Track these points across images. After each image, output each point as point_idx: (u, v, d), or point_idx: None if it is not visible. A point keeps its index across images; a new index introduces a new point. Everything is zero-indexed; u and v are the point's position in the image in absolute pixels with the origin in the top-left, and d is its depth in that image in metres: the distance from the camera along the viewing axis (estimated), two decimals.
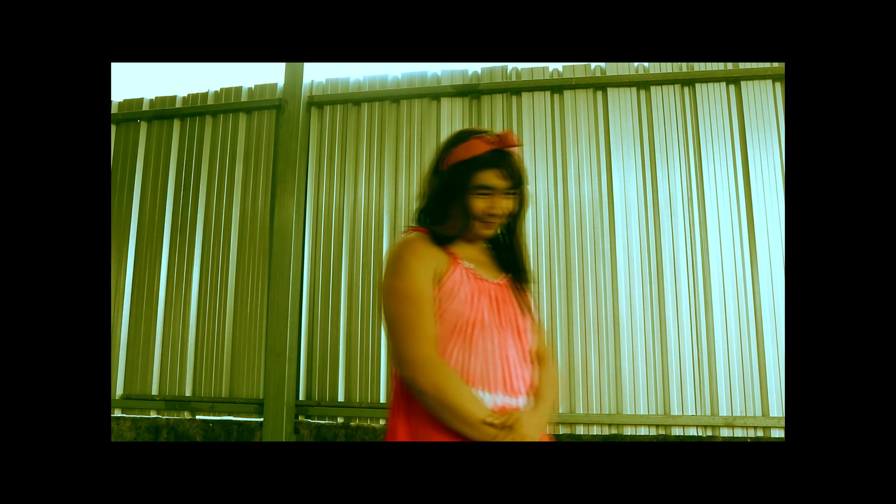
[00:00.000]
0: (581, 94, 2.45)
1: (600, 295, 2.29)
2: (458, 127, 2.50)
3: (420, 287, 0.98)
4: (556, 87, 2.46)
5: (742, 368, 2.17)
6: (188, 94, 2.78)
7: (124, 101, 2.84)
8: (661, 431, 2.20)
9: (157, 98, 2.81)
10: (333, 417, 2.41)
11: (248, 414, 2.44)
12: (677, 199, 2.31)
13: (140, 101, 2.82)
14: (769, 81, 2.33)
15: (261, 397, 2.42)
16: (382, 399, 2.36)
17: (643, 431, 2.21)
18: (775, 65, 2.31)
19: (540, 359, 1.12)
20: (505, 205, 1.04)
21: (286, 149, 2.52)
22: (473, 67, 2.56)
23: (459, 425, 0.93)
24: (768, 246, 2.23)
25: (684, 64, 2.38)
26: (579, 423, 2.23)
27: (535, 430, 0.96)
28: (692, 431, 2.18)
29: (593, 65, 2.48)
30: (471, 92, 2.52)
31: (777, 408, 2.13)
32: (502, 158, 1.02)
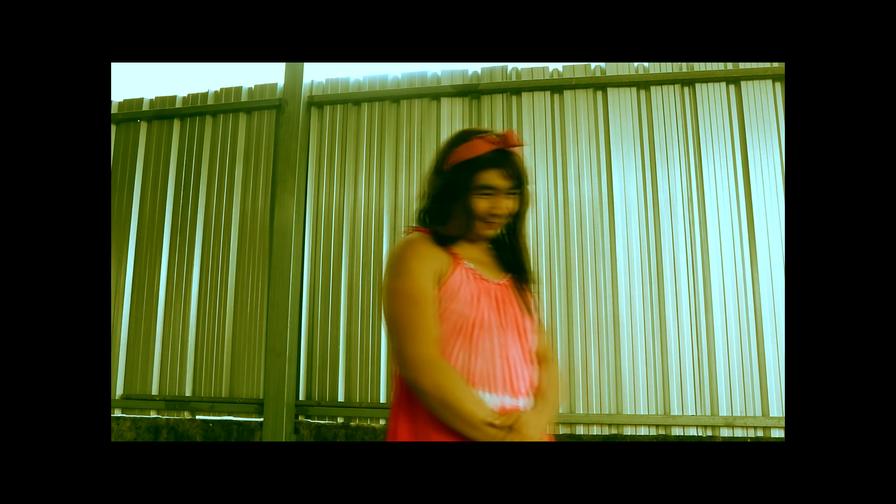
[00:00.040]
0: (581, 94, 2.45)
1: (600, 295, 2.29)
2: (458, 127, 2.50)
3: (422, 287, 0.97)
4: (556, 87, 2.46)
5: (742, 368, 2.17)
6: (188, 94, 2.78)
7: (124, 101, 2.84)
8: (661, 431, 2.20)
9: (157, 98, 2.81)
10: (333, 417, 2.41)
11: (248, 414, 2.44)
12: (677, 199, 2.31)
13: (140, 101, 2.82)
14: (769, 81, 2.33)
15: (261, 397, 2.42)
16: (382, 399, 2.36)
17: (643, 431, 2.21)
18: (775, 65, 2.31)
19: (542, 359, 1.11)
20: (507, 205, 1.04)
21: (286, 149, 2.52)
22: (473, 67, 2.56)
23: (462, 426, 0.92)
24: (768, 246, 2.23)
25: (684, 64, 2.38)
26: (579, 423, 2.23)
27: (537, 431, 0.95)
28: (692, 431, 2.18)
29: (593, 65, 2.48)
30: (471, 92, 2.52)
31: (777, 408, 2.13)
32: (505, 158, 1.02)
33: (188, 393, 2.52)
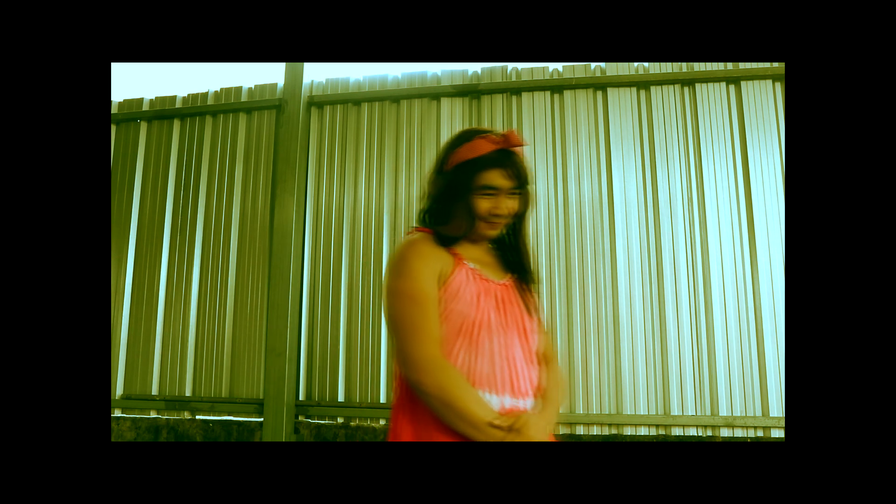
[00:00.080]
0: (581, 94, 2.45)
1: (600, 295, 2.29)
2: (458, 127, 2.50)
3: (424, 288, 0.97)
4: (556, 87, 2.46)
5: (742, 368, 2.17)
6: (188, 94, 2.78)
7: (124, 101, 2.84)
8: (661, 431, 2.20)
9: (157, 98, 2.81)
10: (333, 417, 2.41)
11: (248, 414, 2.44)
12: (677, 199, 2.31)
13: (140, 101, 2.82)
14: (769, 81, 2.33)
15: (261, 397, 2.42)
16: (382, 399, 2.36)
17: (643, 431, 2.21)
18: (775, 65, 2.31)
19: (545, 360, 1.11)
20: (509, 205, 1.04)
21: (286, 149, 2.52)
22: (473, 67, 2.56)
23: (465, 428, 0.92)
24: (768, 246, 2.23)
25: (684, 64, 2.38)
26: (579, 423, 2.23)
27: (541, 433, 0.95)
28: (692, 431, 2.18)
29: (593, 65, 2.48)
30: (471, 92, 2.52)
31: (777, 408, 2.13)
32: (507, 158, 1.01)
33: (188, 393, 2.52)
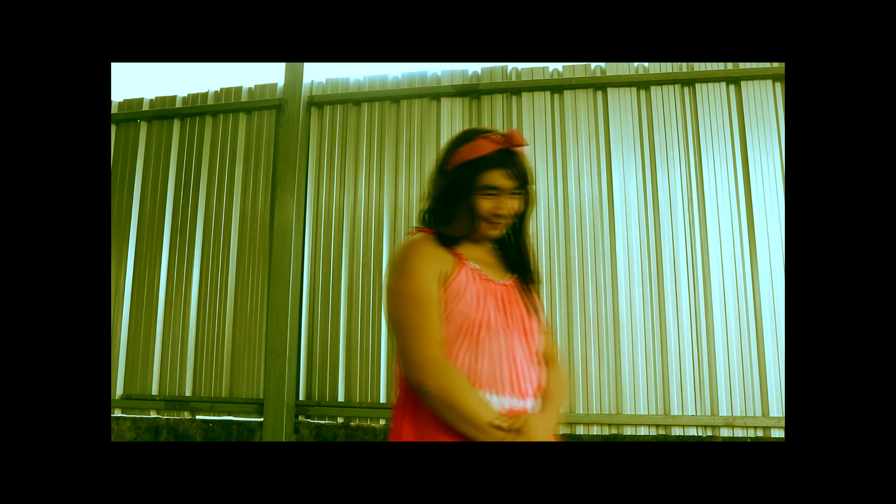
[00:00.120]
0: (581, 94, 2.45)
1: (600, 295, 2.29)
2: (458, 127, 2.50)
3: (426, 288, 0.96)
4: (556, 87, 2.46)
5: (742, 368, 2.17)
6: (188, 94, 2.78)
7: (124, 101, 2.84)
8: (661, 431, 2.20)
9: (157, 98, 2.81)
10: (333, 417, 2.41)
11: (248, 414, 2.44)
12: (677, 199, 2.31)
13: (140, 101, 2.82)
14: (769, 81, 2.33)
15: (261, 397, 2.42)
16: (382, 399, 2.36)
17: (643, 431, 2.21)
18: (775, 65, 2.31)
19: (548, 360, 1.11)
20: (511, 205, 1.03)
21: (286, 149, 2.52)
22: (473, 67, 2.56)
23: (467, 428, 0.91)
24: (768, 246, 2.23)
25: (684, 64, 2.38)
26: (579, 423, 2.23)
27: (543, 434, 0.95)
28: (692, 431, 2.18)
29: (593, 65, 2.48)
30: (471, 92, 2.52)
31: (777, 408, 2.13)
32: (509, 158, 1.01)
33: (188, 393, 2.52)
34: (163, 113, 2.75)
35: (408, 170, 2.51)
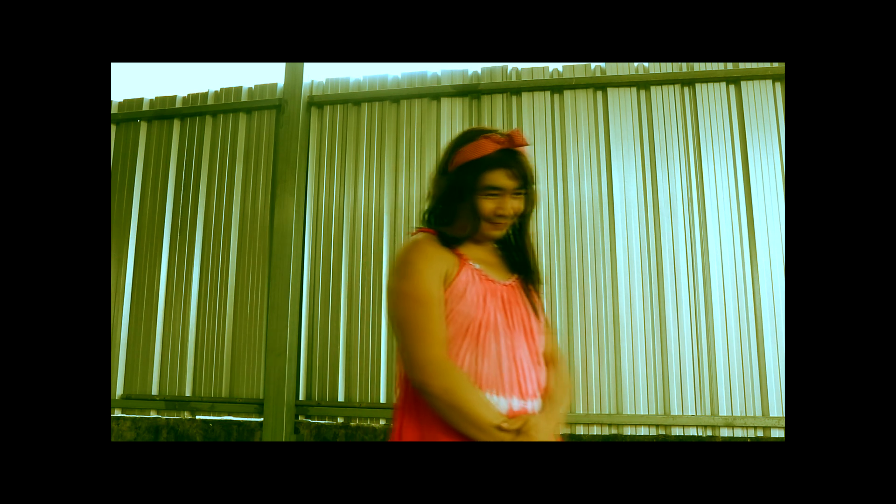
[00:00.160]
0: (581, 94, 2.45)
1: (600, 295, 2.29)
2: (458, 127, 2.50)
3: (428, 289, 0.96)
4: (556, 87, 2.46)
5: (742, 368, 2.17)
6: (188, 94, 2.78)
7: (124, 101, 2.84)
8: (661, 431, 2.20)
9: (157, 98, 2.81)
10: (333, 417, 2.41)
11: (248, 414, 2.44)
12: (677, 199, 2.31)
13: (140, 101, 2.82)
14: (769, 81, 2.33)
15: (261, 397, 2.42)
16: (383, 399, 2.36)
17: (643, 431, 2.21)
18: (775, 65, 2.31)
19: (550, 360, 1.10)
20: (514, 205, 1.03)
21: (286, 149, 2.52)
22: (473, 67, 2.56)
23: (471, 430, 0.91)
24: (768, 246, 2.23)
25: (684, 64, 2.38)
26: (579, 423, 2.23)
27: (546, 434, 0.94)
28: (692, 431, 2.18)
29: (593, 65, 2.48)
30: (471, 92, 2.52)
31: (777, 408, 2.13)
32: (511, 158, 1.00)
33: (188, 393, 2.52)
34: (163, 113, 2.76)
35: (408, 170, 2.51)
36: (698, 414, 2.17)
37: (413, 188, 2.49)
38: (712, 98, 2.36)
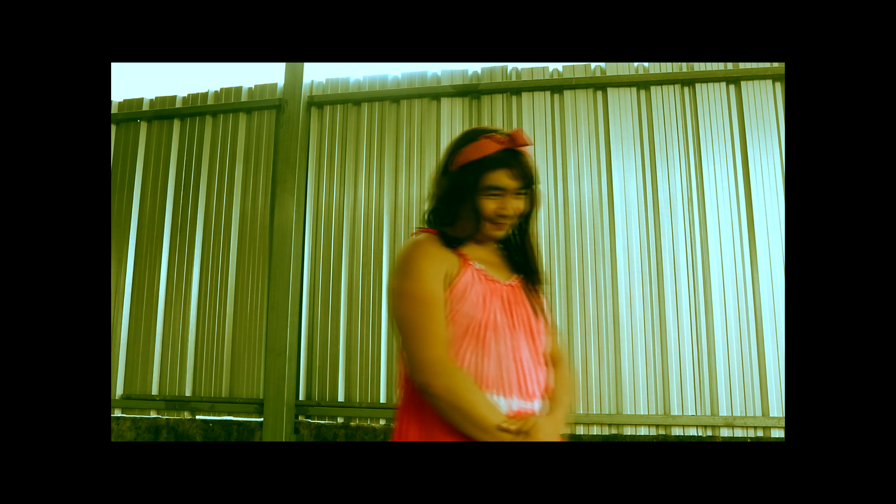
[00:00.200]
0: (581, 94, 2.45)
1: (600, 295, 2.29)
2: (458, 127, 2.50)
3: (431, 289, 0.95)
4: (556, 87, 2.46)
5: (742, 368, 2.17)
6: (188, 94, 2.78)
7: (124, 101, 2.84)
8: (661, 431, 2.20)
9: (157, 98, 2.81)
10: (333, 417, 2.41)
11: (248, 414, 2.44)
12: (677, 199, 2.32)
13: (140, 101, 2.82)
14: (769, 81, 2.33)
15: (261, 397, 2.42)
16: (382, 399, 2.36)
17: (643, 431, 2.21)
18: (775, 65, 2.31)
19: (554, 361, 1.10)
20: (516, 205, 1.02)
21: (286, 149, 2.52)
22: (473, 67, 2.56)
23: (473, 431, 0.90)
24: (768, 246, 2.23)
25: (684, 64, 2.38)
26: (579, 423, 2.23)
27: (551, 436, 0.93)
28: (692, 431, 2.18)
29: (593, 65, 2.48)
30: (471, 92, 2.52)
31: (777, 408, 2.13)
32: (513, 158, 1.00)
33: (188, 393, 2.52)
34: (163, 113, 2.76)
35: (408, 170, 2.51)
36: (698, 414, 2.17)
37: (413, 188, 2.49)
38: (712, 98, 2.36)
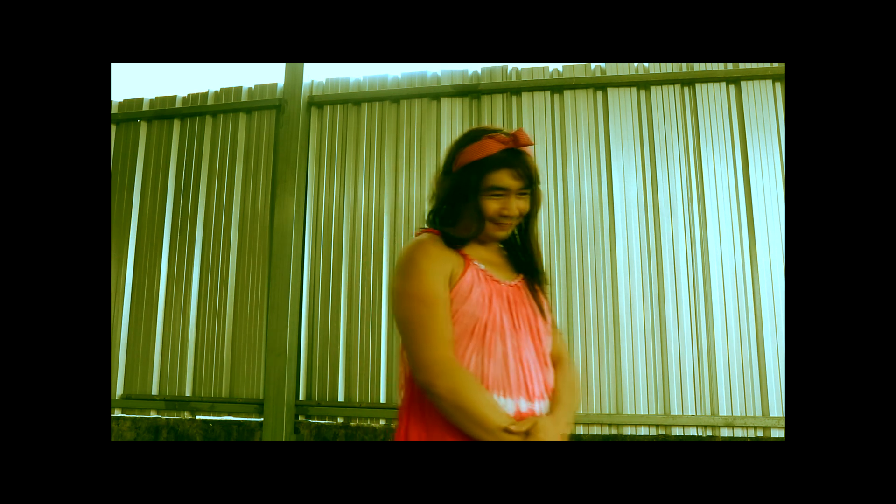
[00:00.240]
0: (581, 94, 2.45)
1: (600, 295, 2.29)
2: (458, 127, 2.50)
3: (433, 289, 0.95)
4: (556, 87, 2.46)
5: (742, 368, 2.17)
6: (188, 94, 2.78)
7: (124, 101, 2.84)
8: (661, 431, 2.20)
9: (157, 98, 2.81)
10: (333, 417, 2.41)
11: (248, 414, 2.44)
12: (677, 199, 2.31)
13: (140, 101, 2.82)
14: (769, 81, 2.33)
15: (261, 397, 2.42)
16: (383, 399, 2.36)
17: (643, 431, 2.21)
18: (775, 65, 2.31)
19: (557, 361, 1.09)
20: (519, 205, 1.02)
21: (286, 149, 2.52)
22: (473, 67, 2.56)
23: (478, 432, 0.90)
24: (768, 246, 2.23)
25: (684, 64, 2.38)
26: (579, 423, 2.23)
27: (554, 436, 0.93)
28: (692, 431, 2.18)
29: (593, 65, 2.48)
30: (471, 92, 2.52)
31: (777, 408, 2.13)
32: (515, 158, 1.00)
33: (188, 393, 2.52)
34: (163, 113, 2.76)
35: (408, 170, 2.51)
36: (698, 414, 2.17)
37: (413, 188, 2.49)
38: (712, 98, 2.36)
